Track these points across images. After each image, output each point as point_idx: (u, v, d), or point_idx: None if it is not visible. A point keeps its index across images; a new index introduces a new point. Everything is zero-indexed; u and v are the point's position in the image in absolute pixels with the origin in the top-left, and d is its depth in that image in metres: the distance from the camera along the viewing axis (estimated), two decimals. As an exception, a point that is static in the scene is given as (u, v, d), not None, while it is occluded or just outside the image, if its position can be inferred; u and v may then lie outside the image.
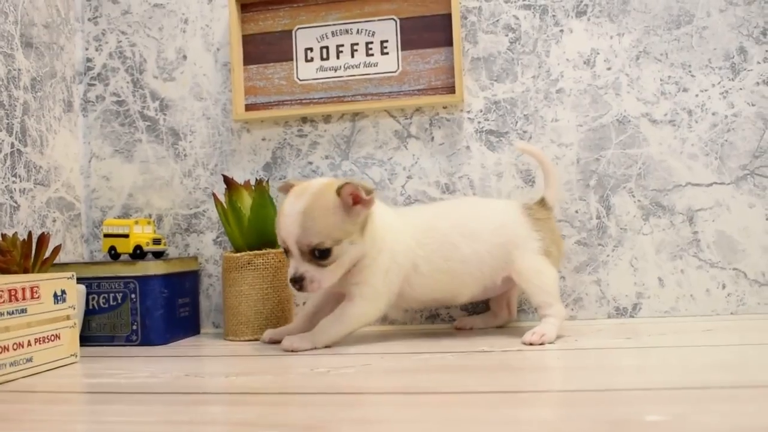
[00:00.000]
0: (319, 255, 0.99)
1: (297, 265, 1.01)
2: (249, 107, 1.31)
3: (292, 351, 1.03)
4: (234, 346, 1.14)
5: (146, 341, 1.16)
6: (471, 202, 1.18)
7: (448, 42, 1.24)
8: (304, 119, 1.30)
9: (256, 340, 1.16)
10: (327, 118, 1.30)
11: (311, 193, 1.01)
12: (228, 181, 1.20)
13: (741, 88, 1.18)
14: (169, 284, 1.19)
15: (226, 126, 1.33)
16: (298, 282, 1.00)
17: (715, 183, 1.18)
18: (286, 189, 1.07)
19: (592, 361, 0.89)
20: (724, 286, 1.18)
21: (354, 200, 1.00)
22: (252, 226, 1.18)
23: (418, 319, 1.26)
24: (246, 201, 1.19)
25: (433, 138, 1.26)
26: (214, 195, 1.22)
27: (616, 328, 1.12)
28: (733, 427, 0.58)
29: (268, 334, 1.13)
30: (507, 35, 1.24)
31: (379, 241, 1.04)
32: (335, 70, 1.29)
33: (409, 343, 1.07)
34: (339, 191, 1.00)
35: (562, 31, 1.23)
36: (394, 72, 1.27)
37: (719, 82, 1.18)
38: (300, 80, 1.30)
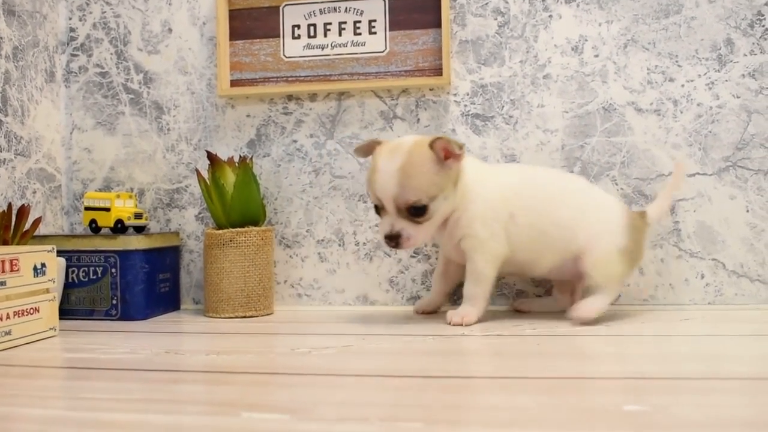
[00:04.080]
0: (415, 212, 1.00)
1: (393, 222, 1.01)
2: (234, 83, 1.29)
3: (461, 325, 1.04)
4: (214, 323, 1.13)
5: (126, 316, 1.16)
6: (582, 180, 1.16)
7: (437, 24, 1.23)
8: (289, 97, 1.29)
9: (237, 317, 1.16)
10: (313, 97, 1.29)
11: (406, 150, 1.01)
12: (211, 157, 1.19)
13: (727, 80, 1.18)
14: (149, 259, 1.19)
15: (211, 101, 1.32)
16: (394, 239, 1.01)
17: (698, 174, 1.19)
18: (372, 147, 1.07)
19: (570, 348, 0.89)
20: (702, 276, 1.19)
21: (445, 155, 1.01)
22: (235, 203, 1.18)
23: (400, 301, 1.26)
24: (229, 178, 1.18)
25: (418, 120, 1.26)
26: (197, 171, 1.21)
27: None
28: (711, 418, 0.59)
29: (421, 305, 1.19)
30: (496, 19, 1.23)
31: (469, 192, 1.06)
32: (322, 48, 1.28)
33: (390, 325, 1.08)
34: (432, 145, 1.01)
35: (551, 16, 1.22)
36: (382, 52, 1.26)
37: (705, 73, 1.19)
38: (286, 57, 1.28)
